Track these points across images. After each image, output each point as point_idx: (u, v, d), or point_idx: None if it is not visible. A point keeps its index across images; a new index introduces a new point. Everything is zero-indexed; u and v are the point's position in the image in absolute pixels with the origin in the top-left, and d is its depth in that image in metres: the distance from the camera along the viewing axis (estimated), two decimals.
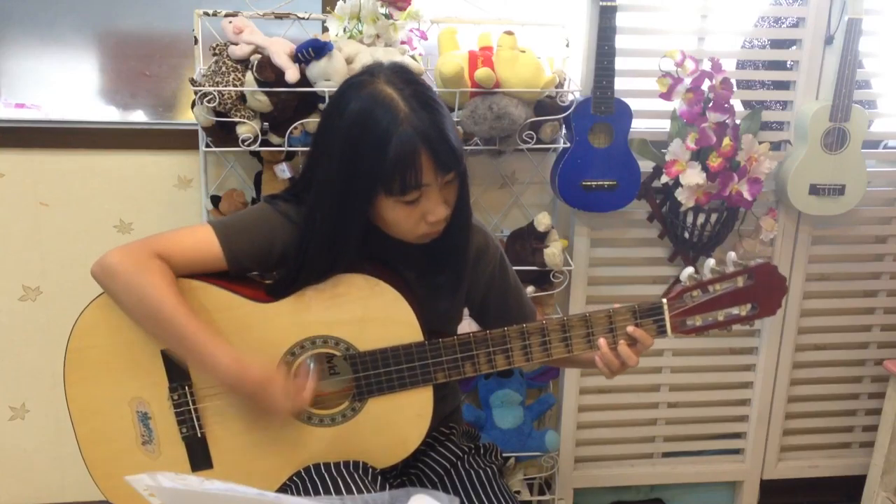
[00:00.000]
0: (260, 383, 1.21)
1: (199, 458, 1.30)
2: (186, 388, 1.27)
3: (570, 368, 2.18)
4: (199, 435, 1.29)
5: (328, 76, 1.72)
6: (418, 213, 1.21)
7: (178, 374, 1.27)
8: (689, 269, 1.29)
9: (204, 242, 1.24)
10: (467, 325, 1.46)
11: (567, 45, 1.98)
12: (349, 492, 1.21)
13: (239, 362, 1.20)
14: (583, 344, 1.29)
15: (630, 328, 1.27)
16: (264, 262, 1.29)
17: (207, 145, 1.88)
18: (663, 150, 2.00)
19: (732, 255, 1.29)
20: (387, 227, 1.25)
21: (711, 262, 1.29)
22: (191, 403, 1.28)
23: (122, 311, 1.24)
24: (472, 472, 1.37)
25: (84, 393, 1.28)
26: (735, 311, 1.30)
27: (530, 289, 2.01)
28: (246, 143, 1.78)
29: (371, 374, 1.27)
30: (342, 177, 1.19)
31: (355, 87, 1.20)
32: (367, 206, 1.21)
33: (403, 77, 1.21)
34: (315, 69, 1.74)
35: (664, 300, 1.28)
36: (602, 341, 1.28)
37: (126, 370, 1.27)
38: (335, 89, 1.27)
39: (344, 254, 1.25)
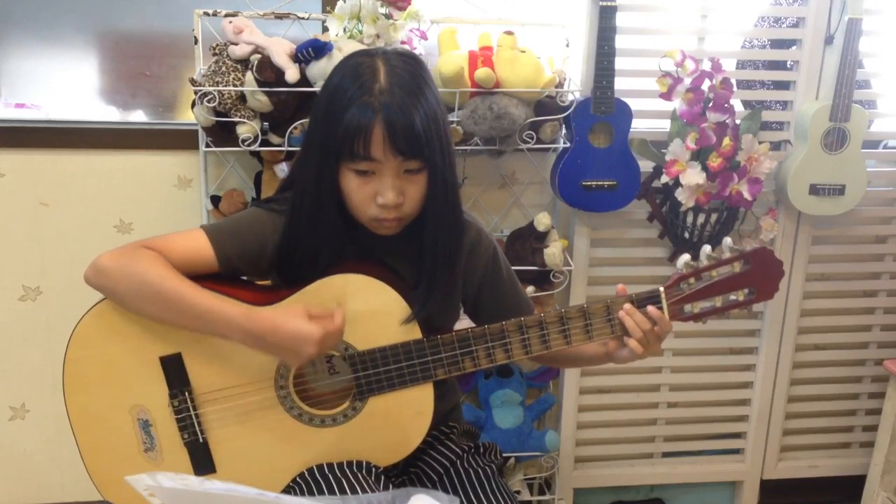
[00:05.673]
0: (273, 321, 1.17)
1: (202, 463, 1.29)
2: (186, 393, 1.26)
3: (582, 367, 2.17)
4: (200, 440, 1.28)
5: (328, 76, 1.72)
6: (370, 190, 1.21)
7: (177, 380, 1.26)
8: (686, 257, 1.29)
9: (195, 244, 1.24)
10: (466, 324, 1.45)
11: (567, 45, 1.98)
12: (353, 492, 1.20)
13: (249, 310, 1.19)
14: (581, 335, 1.29)
15: (621, 313, 1.27)
16: (256, 264, 1.29)
17: (207, 145, 1.88)
18: (663, 150, 2.00)
19: (728, 240, 1.29)
20: (348, 203, 1.24)
21: (707, 248, 1.29)
22: (191, 409, 1.27)
23: (119, 319, 1.23)
24: (472, 471, 1.37)
25: (84, 402, 1.27)
26: (732, 296, 1.30)
27: (530, 289, 2.01)
28: (246, 143, 1.78)
29: (371, 372, 1.27)
30: (313, 144, 1.23)
31: (345, 61, 1.23)
32: (334, 172, 1.21)
33: (404, 59, 1.21)
34: (315, 69, 1.74)
35: (661, 288, 1.28)
36: (627, 306, 1.27)
37: (125, 378, 1.26)
38: None
39: (330, 226, 1.25)
